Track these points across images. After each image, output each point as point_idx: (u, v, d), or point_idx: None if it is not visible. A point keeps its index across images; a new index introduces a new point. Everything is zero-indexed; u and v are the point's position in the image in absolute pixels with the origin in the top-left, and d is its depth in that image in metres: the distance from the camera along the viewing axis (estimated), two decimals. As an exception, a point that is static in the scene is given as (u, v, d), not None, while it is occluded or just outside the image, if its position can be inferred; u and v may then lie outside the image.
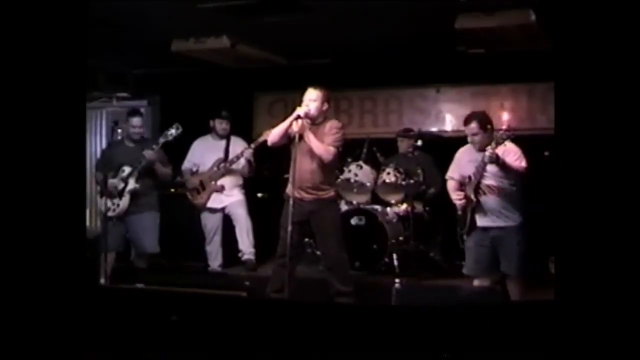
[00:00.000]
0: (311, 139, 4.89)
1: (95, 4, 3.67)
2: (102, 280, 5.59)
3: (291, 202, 4.75)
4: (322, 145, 4.91)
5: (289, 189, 4.96)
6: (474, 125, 4.69)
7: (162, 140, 5.77)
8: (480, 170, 4.56)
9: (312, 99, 4.95)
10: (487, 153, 4.44)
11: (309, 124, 4.95)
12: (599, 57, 2.50)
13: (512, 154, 4.57)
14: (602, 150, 2.47)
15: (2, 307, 2.56)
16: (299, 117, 4.84)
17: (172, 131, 5.75)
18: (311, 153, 4.92)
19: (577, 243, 2.47)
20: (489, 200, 4.63)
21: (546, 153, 5.53)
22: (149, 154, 5.69)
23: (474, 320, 3.11)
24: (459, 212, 4.82)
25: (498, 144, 4.41)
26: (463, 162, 4.84)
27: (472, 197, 4.64)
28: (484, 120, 4.71)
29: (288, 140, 4.95)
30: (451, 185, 4.92)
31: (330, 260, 5.11)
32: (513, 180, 4.62)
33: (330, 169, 5.20)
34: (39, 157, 2.66)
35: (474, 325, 3.07)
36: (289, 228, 4.69)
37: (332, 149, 4.94)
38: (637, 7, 2.47)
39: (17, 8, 2.64)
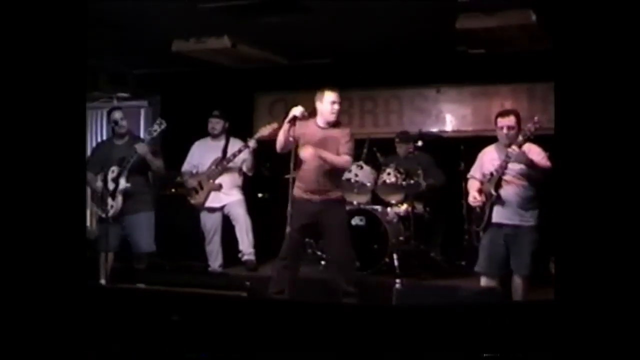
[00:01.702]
0: (329, 157, 4.92)
1: (95, 4, 3.67)
2: (103, 281, 5.59)
3: (298, 203, 4.78)
4: (340, 157, 4.95)
5: (295, 191, 4.98)
6: (512, 117, 4.71)
7: (147, 137, 5.73)
8: (504, 166, 4.59)
9: (336, 101, 4.98)
10: (511, 150, 4.46)
11: (326, 127, 4.99)
12: (599, 57, 2.50)
13: (536, 154, 4.60)
14: (602, 150, 2.47)
15: (2, 307, 2.56)
16: (295, 117, 4.84)
17: (156, 127, 5.67)
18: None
19: (577, 243, 2.47)
20: (509, 195, 4.65)
21: (547, 153, 5.53)
22: (140, 147, 5.60)
23: (474, 320, 3.11)
24: (477, 210, 4.83)
25: (525, 137, 4.45)
26: (485, 161, 4.86)
27: (493, 191, 4.65)
28: (519, 117, 4.75)
29: (293, 143, 4.94)
30: (472, 184, 4.93)
31: (338, 260, 5.13)
32: (534, 179, 4.64)
33: (339, 171, 5.23)
34: (40, 157, 2.66)
35: (475, 325, 3.07)
36: (288, 229, 4.71)
37: (348, 158, 5.02)
38: (637, 7, 2.47)
39: (17, 8, 2.64)
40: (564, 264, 2.55)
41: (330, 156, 4.93)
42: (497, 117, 4.82)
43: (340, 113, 5.07)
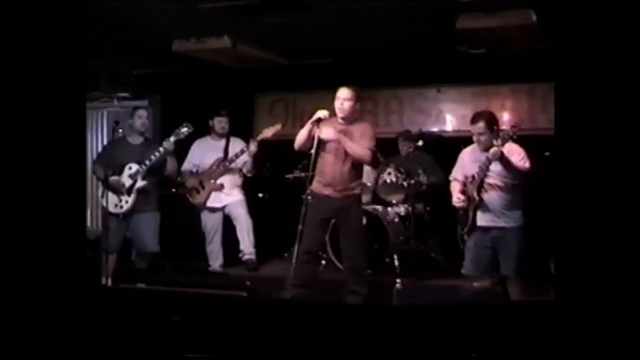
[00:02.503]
0: (349, 145, 4.98)
1: (95, 4, 3.67)
2: (105, 280, 5.58)
3: (318, 199, 4.87)
4: (361, 148, 5.01)
5: (315, 187, 5.02)
6: (481, 124, 4.66)
7: (174, 138, 5.75)
8: (484, 169, 4.56)
9: (347, 98, 5.03)
10: (492, 150, 4.45)
11: (342, 124, 5.03)
12: (599, 57, 2.50)
13: (516, 154, 4.58)
14: (602, 150, 2.47)
15: (1, 308, 2.56)
16: (319, 119, 4.90)
17: (184, 130, 5.76)
18: (343, 154, 5.00)
19: (577, 243, 2.47)
20: (492, 198, 4.63)
21: (546, 153, 5.53)
22: (168, 143, 5.67)
23: (474, 320, 3.11)
24: (461, 212, 4.82)
25: (504, 140, 4.41)
26: (467, 162, 4.83)
27: (475, 195, 4.64)
28: (491, 121, 4.70)
29: (312, 142, 5.00)
30: (454, 186, 4.91)
31: (352, 259, 5.16)
32: (516, 180, 4.62)
33: (360, 168, 5.29)
34: (40, 158, 2.66)
35: (475, 326, 3.07)
36: (300, 227, 4.72)
37: (369, 151, 5.08)
38: (637, 7, 2.47)
39: (17, 8, 2.64)
40: (564, 264, 2.55)
41: (349, 143, 4.99)
42: (470, 121, 4.79)
43: (354, 111, 5.09)
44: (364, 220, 6.22)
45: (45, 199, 2.65)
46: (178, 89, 8.03)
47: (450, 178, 4.97)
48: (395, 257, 6.16)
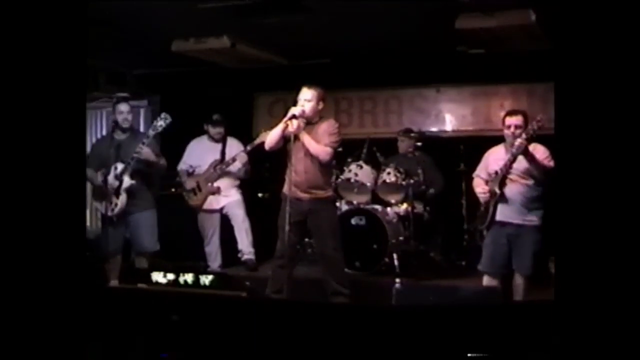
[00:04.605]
0: (307, 140, 4.88)
1: (95, 4, 3.67)
2: (110, 282, 5.54)
3: (288, 202, 4.74)
4: (320, 145, 4.90)
5: (285, 189, 4.97)
6: (520, 117, 4.72)
7: (151, 132, 5.52)
8: (508, 165, 4.61)
9: (307, 99, 4.92)
10: (516, 143, 4.48)
11: (304, 123, 4.93)
12: (599, 57, 2.50)
13: (540, 153, 4.62)
14: (602, 150, 2.47)
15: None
16: (294, 116, 4.83)
17: (161, 122, 5.49)
18: (308, 153, 4.91)
19: (577, 243, 2.48)
20: (513, 193, 4.68)
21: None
22: (145, 151, 5.46)
23: (474, 320, 3.11)
24: (482, 208, 4.85)
25: (529, 135, 4.46)
26: (491, 161, 4.88)
27: (497, 189, 4.67)
28: (527, 118, 4.75)
29: (284, 141, 4.93)
30: (477, 181, 4.97)
31: (327, 260, 5.09)
32: (538, 179, 4.65)
33: (328, 169, 5.19)
34: (40, 158, 2.66)
35: (474, 326, 3.08)
36: (287, 228, 4.70)
37: (329, 150, 4.94)
38: (637, 7, 2.47)
39: (18, 8, 2.64)
40: (564, 264, 2.55)
41: (310, 142, 4.88)
42: (505, 116, 4.83)
43: (316, 111, 4.96)
44: (363, 221, 6.24)
45: (45, 199, 2.65)
46: (177, 89, 8.02)
47: (474, 175, 5.04)
48: (395, 257, 6.16)
